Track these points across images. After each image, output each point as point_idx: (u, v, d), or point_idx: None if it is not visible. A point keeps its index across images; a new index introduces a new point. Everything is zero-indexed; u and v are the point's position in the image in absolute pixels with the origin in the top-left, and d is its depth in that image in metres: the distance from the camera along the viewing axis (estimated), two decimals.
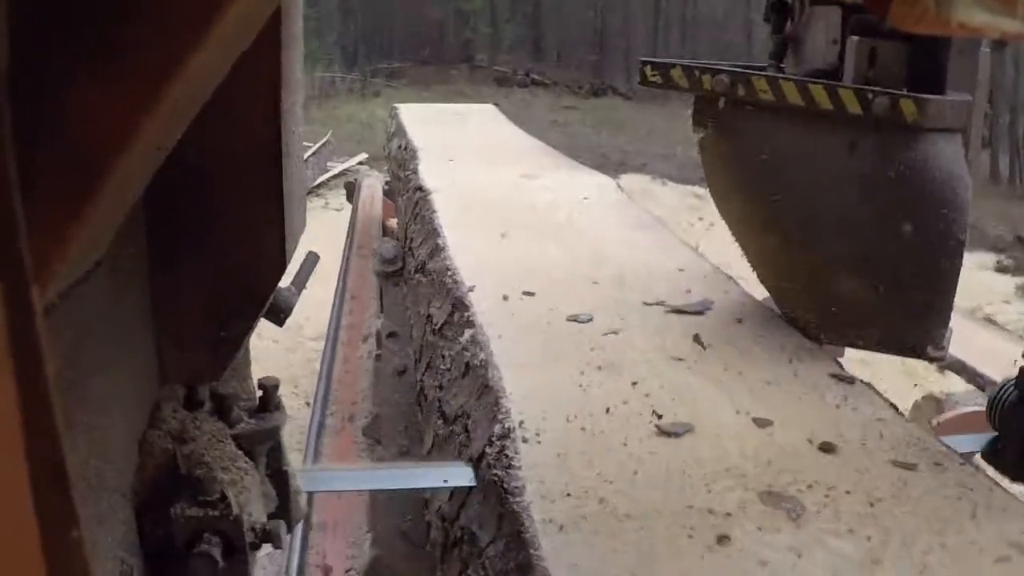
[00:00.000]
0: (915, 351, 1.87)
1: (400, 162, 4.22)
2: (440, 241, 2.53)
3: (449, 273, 2.25)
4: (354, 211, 4.95)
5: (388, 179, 5.06)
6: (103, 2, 0.53)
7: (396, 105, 5.58)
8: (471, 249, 2.48)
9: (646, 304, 2.11)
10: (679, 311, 2.07)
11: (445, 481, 1.47)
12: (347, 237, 4.47)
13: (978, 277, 8.36)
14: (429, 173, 3.47)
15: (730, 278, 2.36)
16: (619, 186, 3.62)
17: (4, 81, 0.35)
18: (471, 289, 2.13)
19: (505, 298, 2.13)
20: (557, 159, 4.28)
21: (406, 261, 3.12)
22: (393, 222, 4.45)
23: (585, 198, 3.30)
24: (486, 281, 2.20)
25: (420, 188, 3.24)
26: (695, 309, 2.08)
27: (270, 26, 0.84)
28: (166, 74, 0.55)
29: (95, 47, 0.53)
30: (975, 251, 9.32)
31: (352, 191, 5.47)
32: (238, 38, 0.71)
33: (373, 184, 5.35)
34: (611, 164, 11.95)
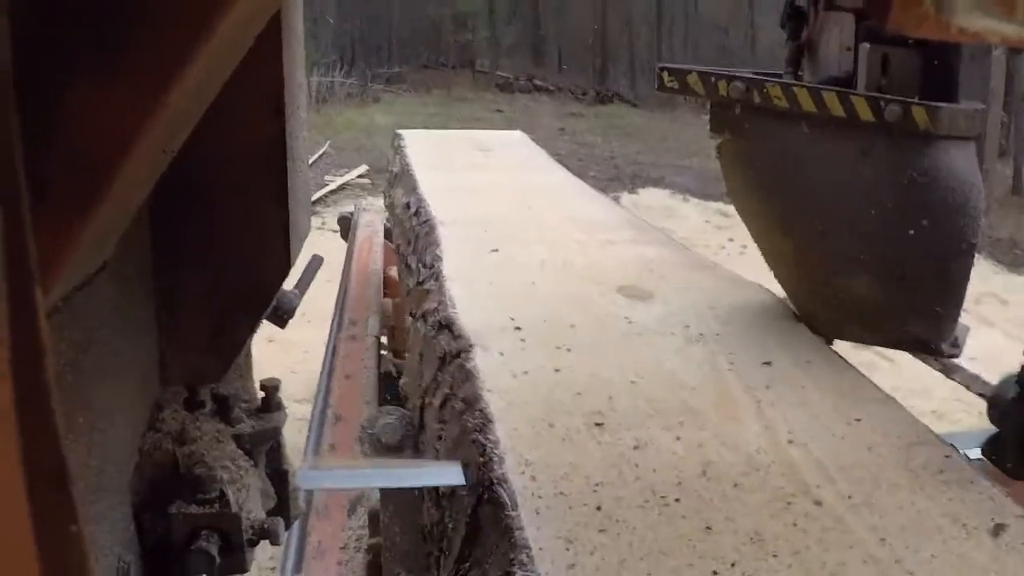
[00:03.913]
0: (930, 348, 1.91)
1: (410, 237, 2.61)
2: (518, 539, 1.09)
3: None
4: (347, 263, 3.56)
5: (388, 217, 3.71)
6: (106, 5, 0.53)
7: (400, 132, 4.10)
8: None
9: None
10: None
11: (436, 480, 1.44)
12: (336, 306, 3.03)
13: None
14: (464, 288, 1.90)
15: None
16: (821, 340, 1.86)
17: (9, 85, 0.36)
18: None
19: None
20: (658, 243, 2.50)
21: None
22: (394, 271, 3.17)
23: (766, 363, 1.66)
24: None
25: (451, 329, 1.70)
26: None
27: (271, 28, 0.85)
28: (170, 76, 0.55)
29: (99, 50, 0.53)
30: None
31: (346, 228, 4.21)
32: (240, 40, 0.71)
33: (372, 223, 4.01)
34: (626, 177, 11.39)
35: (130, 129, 0.55)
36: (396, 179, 3.48)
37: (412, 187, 3.00)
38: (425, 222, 2.50)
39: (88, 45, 0.53)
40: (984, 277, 7.21)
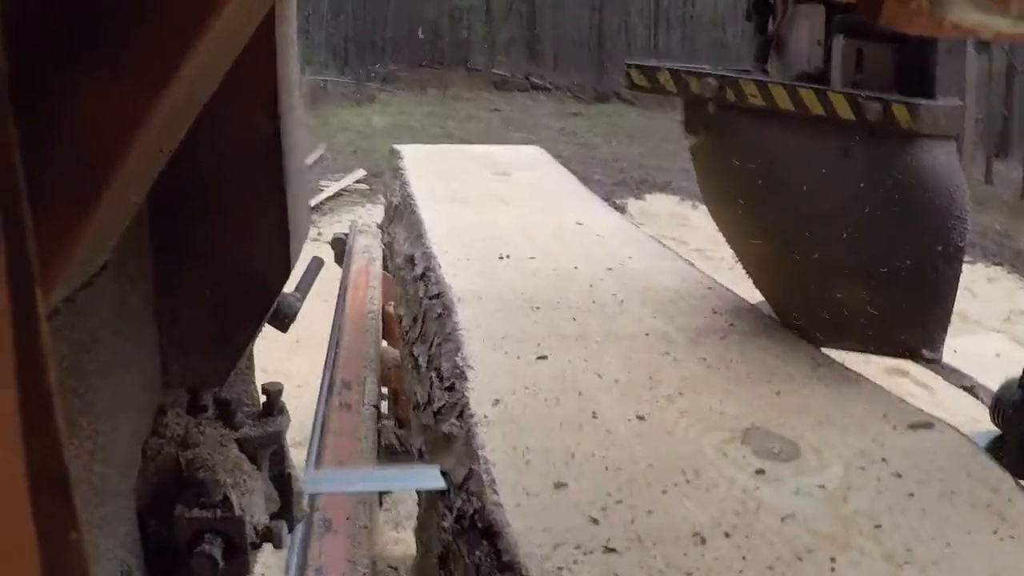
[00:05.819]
0: (911, 353, 1.87)
1: (416, 312, 1.98)
2: None
3: None
4: (339, 303, 2.84)
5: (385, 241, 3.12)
6: (103, 5, 0.53)
7: (398, 148, 3.47)
8: None
9: None
10: None
11: (417, 484, 1.44)
12: (326, 362, 2.31)
13: None
14: (508, 447, 1.28)
15: None
16: None
17: (6, 85, 0.36)
18: None
19: None
20: (765, 331, 1.88)
21: None
22: (391, 308, 2.67)
23: None
24: None
25: (494, 542, 1.06)
26: None
27: (265, 27, 0.85)
28: (166, 75, 0.55)
29: (96, 49, 0.53)
30: None
31: (340, 251, 3.62)
32: (234, 39, 0.71)
33: (368, 248, 3.37)
34: (632, 182, 11.01)
35: (129, 128, 0.55)
36: (395, 213, 2.71)
37: (417, 232, 2.31)
38: (437, 296, 1.88)
39: (87, 44, 0.53)
40: (1009, 294, 6.87)
